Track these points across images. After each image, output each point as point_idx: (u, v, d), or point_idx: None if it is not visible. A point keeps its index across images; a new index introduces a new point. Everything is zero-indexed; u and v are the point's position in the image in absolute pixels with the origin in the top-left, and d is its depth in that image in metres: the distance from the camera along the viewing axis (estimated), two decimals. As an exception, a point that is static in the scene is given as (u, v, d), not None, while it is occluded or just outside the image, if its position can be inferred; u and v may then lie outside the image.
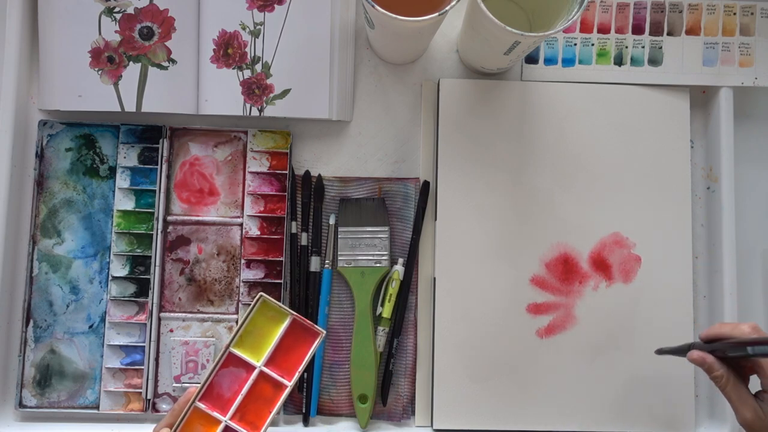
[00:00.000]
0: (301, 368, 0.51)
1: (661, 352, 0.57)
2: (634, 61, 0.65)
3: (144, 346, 0.62)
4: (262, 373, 0.51)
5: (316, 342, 0.52)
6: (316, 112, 0.62)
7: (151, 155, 0.63)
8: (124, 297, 0.62)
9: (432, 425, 0.62)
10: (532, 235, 0.63)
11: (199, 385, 0.51)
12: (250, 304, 0.61)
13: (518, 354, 0.62)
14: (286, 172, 0.63)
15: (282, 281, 0.62)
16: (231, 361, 0.52)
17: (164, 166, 0.63)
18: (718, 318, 0.63)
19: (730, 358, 0.49)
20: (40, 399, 0.61)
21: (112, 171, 0.63)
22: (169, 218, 0.63)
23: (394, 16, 0.49)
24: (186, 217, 0.63)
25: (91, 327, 0.62)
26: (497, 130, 0.64)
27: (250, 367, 0.51)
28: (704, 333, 0.51)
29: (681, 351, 0.54)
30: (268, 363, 0.51)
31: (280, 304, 0.52)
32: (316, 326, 0.52)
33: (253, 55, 0.62)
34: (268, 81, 0.62)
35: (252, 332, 0.52)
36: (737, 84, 0.64)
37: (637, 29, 0.65)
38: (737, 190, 0.64)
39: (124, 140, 0.63)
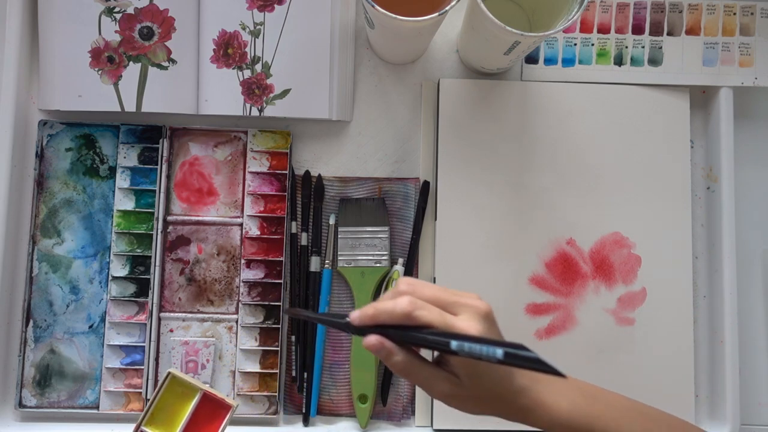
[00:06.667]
0: None
1: (292, 313, 0.56)
2: (634, 61, 0.65)
3: (144, 346, 0.62)
4: None
5: (228, 415, 0.54)
6: (316, 112, 0.62)
7: (151, 155, 0.63)
8: (124, 297, 0.62)
9: (432, 425, 0.62)
10: (532, 235, 0.63)
11: None
12: (250, 304, 0.62)
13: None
14: (286, 172, 0.63)
15: (282, 281, 0.62)
16: None
17: (164, 166, 0.63)
18: (719, 318, 0.63)
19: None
20: (40, 399, 0.61)
21: (112, 171, 0.63)
22: (169, 218, 0.63)
23: (394, 16, 0.49)
24: (186, 217, 0.63)
25: (91, 327, 0.62)
26: (497, 130, 0.64)
27: None
28: (359, 319, 0.42)
29: (335, 322, 0.44)
30: None
31: (190, 379, 0.55)
32: (227, 399, 0.55)
33: (253, 55, 0.62)
34: (268, 81, 0.62)
35: (163, 409, 0.55)
36: (737, 84, 0.64)
37: (637, 29, 0.65)
38: (737, 190, 0.64)
39: (124, 140, 0.63)
